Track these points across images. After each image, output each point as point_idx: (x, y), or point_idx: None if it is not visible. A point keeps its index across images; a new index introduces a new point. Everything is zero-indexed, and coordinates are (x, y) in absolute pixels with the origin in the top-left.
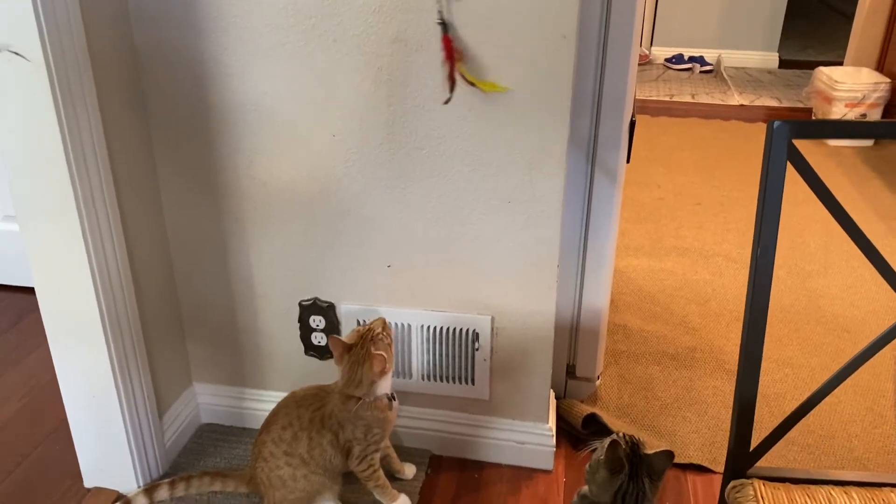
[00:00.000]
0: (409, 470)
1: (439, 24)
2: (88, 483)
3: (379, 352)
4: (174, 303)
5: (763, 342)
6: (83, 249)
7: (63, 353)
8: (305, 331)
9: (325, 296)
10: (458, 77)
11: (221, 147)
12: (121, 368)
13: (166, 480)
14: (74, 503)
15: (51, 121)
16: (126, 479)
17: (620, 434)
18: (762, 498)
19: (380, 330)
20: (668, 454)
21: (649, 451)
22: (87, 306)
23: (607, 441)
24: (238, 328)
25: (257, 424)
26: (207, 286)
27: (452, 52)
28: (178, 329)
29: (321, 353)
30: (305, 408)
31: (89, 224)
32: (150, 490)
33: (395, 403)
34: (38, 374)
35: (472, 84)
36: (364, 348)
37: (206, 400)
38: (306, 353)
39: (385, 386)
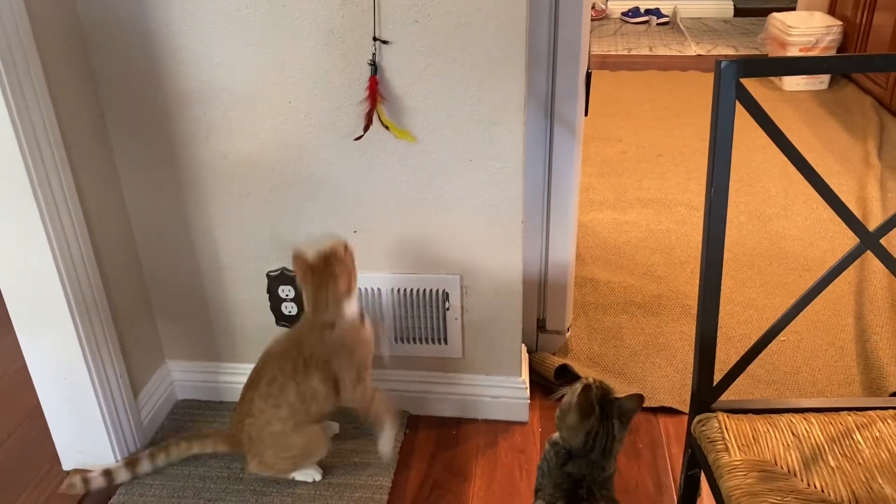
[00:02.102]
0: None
1: (370, 65)
2: (67, 465)
3: (343, 269)
4: (140, 281)
5: (720, 279)
6: (42, 233)
7: (31, 339)
8: (275, 301)
9: (293, 265)
10: (375, 118)
11: (177, 120)
12: (91, 350)
13: (145, 452)
14: (54, 486)
15: None
16: (104, 460)
17: (591, 379)
18: (727, 429)
19: (341, 251)
20: (638, 397)
21: (619, 396)
22: (52, 291)
23: (578, 385)
24: (207, 303)
25: (234, 398)
26: (173, 262)
27: (376, 93)
28: (146, 307)
29: (293, 322)
30: (286, 358)
31: (47, 206)
32: (131, 462)
33: (368, 323)
34: (7, 362)
35: (387, 128)
36: (328, 268)
37: (180, 376)
38: (278, 323)
39: (353, 307)
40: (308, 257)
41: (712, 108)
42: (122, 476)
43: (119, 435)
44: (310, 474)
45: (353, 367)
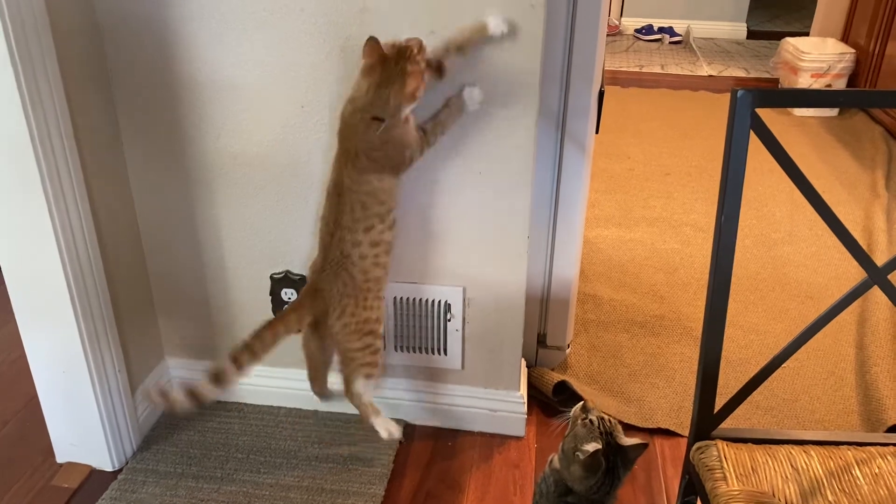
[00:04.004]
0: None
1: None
2: (61, 458)
3: (417, 68)
4: (144, 278)
5: (726, 309)
6: (49, 225)
7: (32, 330)
8: (277, 304)
9: (297, 268)
10: None
11: (189, 119)
12: (91, 344)
13: (242, 346)
14: (47, 478)
15: (11, 93)
16: (99, 454)
17: (596, 415)
18: (725, 458)
19: (416, 51)
20: (644, 445)
21: (625, 443)
22: (55, 283)
23: (578, 409)
24: (209, 302)
25: (230, 398)
26: (177, 261)
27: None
28: (148, 304)
29: None
30: (345, 177)
31: (55, 199)
32: (236, 358)
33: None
34: (6, 351)
35: None
36: (399, 65)
37: (178, 374)
38: None
39: (406, 111)
40: (382, 46)
41: (726, 137)
42: (208, 392)
43: (115, 429)
44: (389, 429)
45: (405, 161)
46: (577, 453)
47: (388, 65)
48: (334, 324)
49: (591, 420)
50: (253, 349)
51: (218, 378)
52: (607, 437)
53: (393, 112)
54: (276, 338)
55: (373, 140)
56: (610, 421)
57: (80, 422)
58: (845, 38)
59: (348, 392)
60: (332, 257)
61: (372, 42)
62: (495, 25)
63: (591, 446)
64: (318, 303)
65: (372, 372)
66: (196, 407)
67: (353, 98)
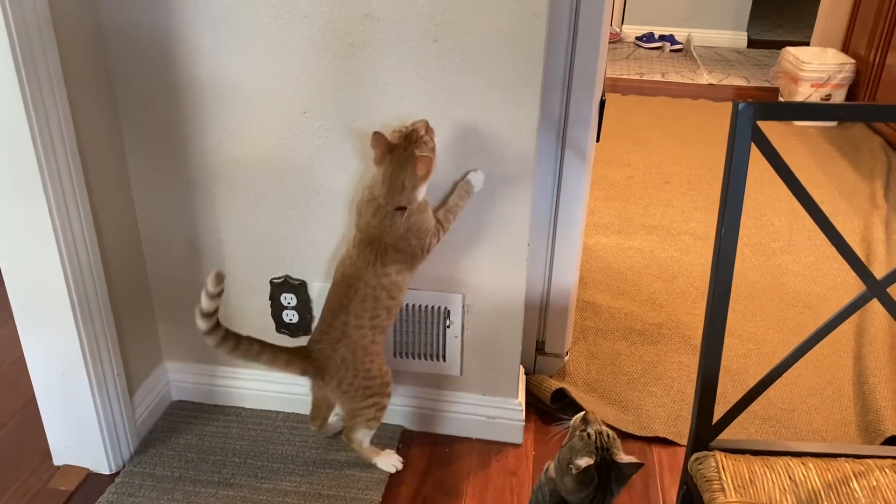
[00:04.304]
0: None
1: None
2: (58, 461)
3: (424, 154)
4: (144, 281)
5: (725, 321)
6: (50, 227)
7: (31, 332)
8: (276, 308)
9: (297, 273)
10: None
11: (191, 124)
12: (90, 347)
13: (237, 333)
14: (44, 480)
15: (14, 95)
16: (96, 457)
17: (595, 429)
18: (723, 469)
19: (423, 132)
20: (638, 465)
21: (621, 460)
22: (55, 285)
23: (578, 421)
24: None
25: (228, 402)
26: (177, 264)
27: None
28: (148, 307)
29: (292, 330)
30: (364, 267)
31: (56, 201)
32: (226, 331)
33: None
34: (5, 352)
35: None
36: (408, 150)
37: (177, 377)
38: (278, 330)
39: (423, 192)
40: (388, 136)
41: (727, 149)
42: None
43: (112, 432)
44: (394, 464)
45: (424, 249)
46: (571, 466)
47: (398, 152)
48: (334, 390)
49: (588, 433)
50: (239, 341)
51: (204, 314)
52: (603, 452)
53: (409, 197)
54: (258, 358)
55: (398, 230)
56: (608, 435)
57: (77, 424)
58: (845, 48)
59: (348, 439)
60: (332, 336)
61: (377, 135)
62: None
63: (584, 461)
64: (309, 366)
65: (374, 425)
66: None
67: (371, 187)
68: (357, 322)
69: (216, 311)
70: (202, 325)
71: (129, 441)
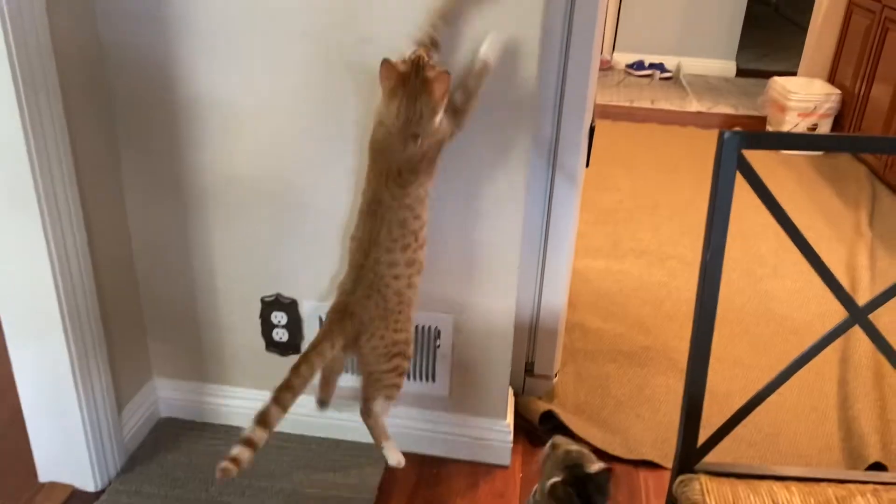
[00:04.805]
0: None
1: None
2: (43, 477)
3: (442, 71)
4: (135, 297)
5: (711, 345)
6: (43, 242)
7: (20, 346)
8: (267, 327)
9: (288, 292)
10: None
11: (186, 142)
12: (80, 363)
13: (284, 385)
14: (29, 497)
15: (12, 111)
16: (82, 474)
17: (560, 457)
18: (708, 492)
19: (427, 58)
20: (608, 470)
21: (591, 470)
22: (47, 299)
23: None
24: (199, 323)
25: (217, 419)
26: (169, 281)
27: None
28: (139, 323)
29: (282, 349)
30: (382, 193)
31: (50, 217)
32: (278, 398)
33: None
34: None
35: None
36: (419, 76)
37: (166, 394)
38: (267, 349)
39: (440, 117)
40: (398, 64)
41: (713, 177)
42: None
43: (99, 449)
44: (398, 458)
45: (439, 151)
46: (546, 489)
47: (410, 80)
48: (364, 346)
49: (557, 454)
50: (293, 386)
51: (264, 420)
52: (573, 469)
53: (428, 122)
54: (313, 369)
55: (413, 154)
56: (577, 451)
57: (64, 441)
58: (831, 79)
59: (366, 411)
60: (366, 278)
61: (387, 64)
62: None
63: (551, 481)
64: (347, 326)
65: (394, 393)
66: (253, 454)
67: (382, 122)
68: (390, 257)
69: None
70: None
71: (116, 458)
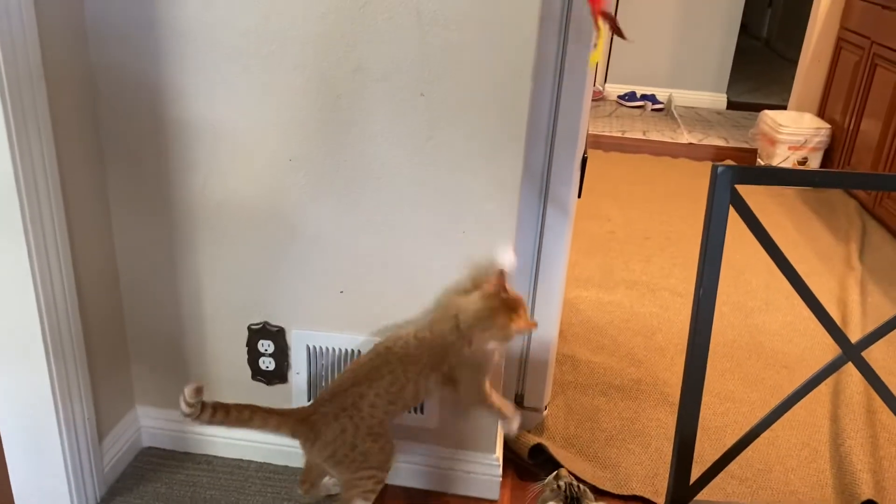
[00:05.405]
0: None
1: None
2: None
3: (524, 324)
4: (120, 323)
5: (703, 381)
6: (27, 267)
7: (1, 372)
8: (253, 355)
9: (276, 320)
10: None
11: (175, 167)
12: (61, 390)
13: (211, 403)
14: None
15: (1, 138)
16: (60, 503)
17: (563, 489)
18: None
19: (524, 307)
20: None
21: None
22: (30, 325)
23: (552, 475)
24: (185, 351)
25: (200, 449)
26: (155, 307)
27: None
28: (123, 350)
29: (268, 378)
30: (414, 362)
31: (35, 241)
32: (213, 406)
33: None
34: None
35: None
36: (514, 307)
37: (148, 423)
38: (253, 378)
39: (492, 346)
40: (505, 281)
41: (706, 211)
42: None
43: (79, 479)
44: None
45: (482, 379)
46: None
47: (508, 301)
48: (326, 459)
49: (559, 485)
50: (228, 411)
51: (188, 402)
52: (573, 502)
53: (482, 338)
54: (250, 423)
55: (462, 356)
56: (579, 487)
57: (43, 470)
58: (821, 113)
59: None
60: (341, 402)
61: (502, 275)
62: (508, 261)
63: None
64: (302, 428)
65: (372, 496)
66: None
67: (457, 316)
68: (374, 400)
69: (199, 408)
70: (187, 417)
71: (97, 488)
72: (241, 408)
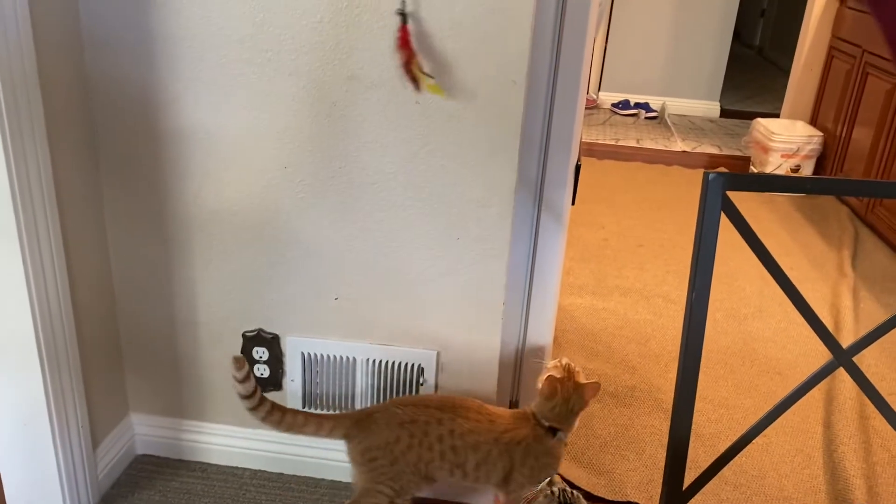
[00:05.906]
0: None
1: (400, 14)
2: None
3: (591, 382)
4: (114, 330)
5: (696, 388)
6: (22, 273)
7: None
8: (248, 362)
9: (270, 327)
10: (414, 71)
11: (171, 174)
12: (55, 397)
13: (283, 407)
14: None
15: None
16: None
17: (557, 494)
18: None
19: (575, 367)
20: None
21: None
22: (24, 333)
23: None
24: (179, 358)
25: (195, 457)
26: (150, 314)
27: (409, 45)
28: (117, 358)
29: (263, 385)
30: (495, 446)
31: (30, 248)
32: (273, 405)
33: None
34: None
35: (416, 81)
36: (571, 380)
37: (142, 430)
38: None
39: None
40: (552, 372)
41: (698, 218)
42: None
43: (73, 486)
44: None
45: (533, 480)
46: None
47: (566, 384)
48: (362, 461)
49: (552, 491)
50: (284, 413)
51: (237, 377)
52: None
53: (572, 421)
54: (304, 428)
55: (539, 451)
56: (572, 493)
57: (36, 477)
58: (814, 121)
59: None
60: (415, 414)
61: (552, 379)
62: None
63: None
64: (355, 430)
65: None
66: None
67: (542, 412)
68: (443, 434)
69: (255, 390)
70: (247, 405)
71: (90, 496)
72: (294, 413)
